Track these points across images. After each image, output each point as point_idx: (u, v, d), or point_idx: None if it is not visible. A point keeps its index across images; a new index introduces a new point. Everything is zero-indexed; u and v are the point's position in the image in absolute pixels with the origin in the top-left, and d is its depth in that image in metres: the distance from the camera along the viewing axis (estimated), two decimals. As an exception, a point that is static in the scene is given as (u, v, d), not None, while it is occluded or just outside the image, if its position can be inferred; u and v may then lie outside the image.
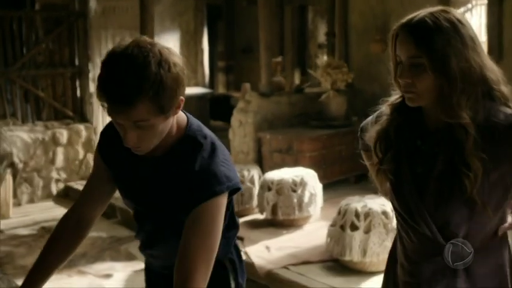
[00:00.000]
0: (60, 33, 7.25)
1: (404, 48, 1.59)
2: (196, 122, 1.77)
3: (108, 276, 4.74)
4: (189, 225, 1.61)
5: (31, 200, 7.01)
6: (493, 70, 1.64)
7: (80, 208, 1.88)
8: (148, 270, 2.05)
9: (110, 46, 7.17)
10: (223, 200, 1.65)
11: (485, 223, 1.66)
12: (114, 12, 6.95)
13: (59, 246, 1.84)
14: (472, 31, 1.61)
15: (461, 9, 6.61)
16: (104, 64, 1.55)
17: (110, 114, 1.56)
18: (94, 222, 1.91)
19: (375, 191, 2.08)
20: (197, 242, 1.59)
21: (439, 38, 1.56)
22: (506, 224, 1.71)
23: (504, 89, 1.63)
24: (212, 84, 10.91)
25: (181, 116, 1.73)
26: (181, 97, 1.61)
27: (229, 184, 1.66)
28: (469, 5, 6.78)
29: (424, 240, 1.69)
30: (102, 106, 1.57)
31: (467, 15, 6.79)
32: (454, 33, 1.57)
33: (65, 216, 1.88)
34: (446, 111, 1.58)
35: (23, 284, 1.78)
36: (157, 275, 1.97)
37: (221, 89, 11.06)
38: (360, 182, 6.48)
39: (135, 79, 1.48)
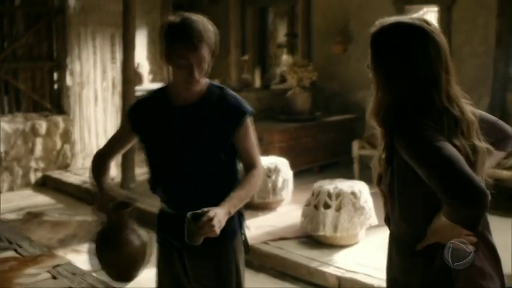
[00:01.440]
0: (39, 28, 7.53)
1: None
2: None
3: (101, 253, 5.14)
4: (240, 142, 2.34)
5: (10, 188, 7.27)
6: (442, 91, 1.69)
7: (103, 152, 2.59)
8: (163, 216, 2.53)
9: (90, 42, 7.60)
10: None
11: (408, 222, 1.74)
12: (95, 10, 7.27)
13: (101, 166, 2.54)
14: (434, 48, 1.70)
15: (415, 15, 7.23)
16: (174, 26, 2.21)
17: (183, 57, 2.18)
18: (112, 161, 2.60)
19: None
20: (251, 148, 2.39)
21: (383, 45, 1.71)
22: (424, 241, 1.71)
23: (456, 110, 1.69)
24: (176, 80, 11.27)
25: None
26: None
27: (250, 107, 2.37)
28: (421, 12, 7.42)
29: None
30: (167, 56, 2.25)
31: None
32: (406, 48, 1.67)
33: (94, 156, 2.59)
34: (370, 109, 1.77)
35: (99, 185, 2.45)
36: (172, 217, 2.43)
37: (184, 85, 11.41)
38: (322, 171, 7.09)
39: (201, 29, 2.20)
